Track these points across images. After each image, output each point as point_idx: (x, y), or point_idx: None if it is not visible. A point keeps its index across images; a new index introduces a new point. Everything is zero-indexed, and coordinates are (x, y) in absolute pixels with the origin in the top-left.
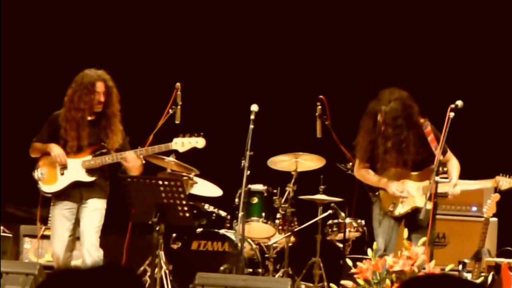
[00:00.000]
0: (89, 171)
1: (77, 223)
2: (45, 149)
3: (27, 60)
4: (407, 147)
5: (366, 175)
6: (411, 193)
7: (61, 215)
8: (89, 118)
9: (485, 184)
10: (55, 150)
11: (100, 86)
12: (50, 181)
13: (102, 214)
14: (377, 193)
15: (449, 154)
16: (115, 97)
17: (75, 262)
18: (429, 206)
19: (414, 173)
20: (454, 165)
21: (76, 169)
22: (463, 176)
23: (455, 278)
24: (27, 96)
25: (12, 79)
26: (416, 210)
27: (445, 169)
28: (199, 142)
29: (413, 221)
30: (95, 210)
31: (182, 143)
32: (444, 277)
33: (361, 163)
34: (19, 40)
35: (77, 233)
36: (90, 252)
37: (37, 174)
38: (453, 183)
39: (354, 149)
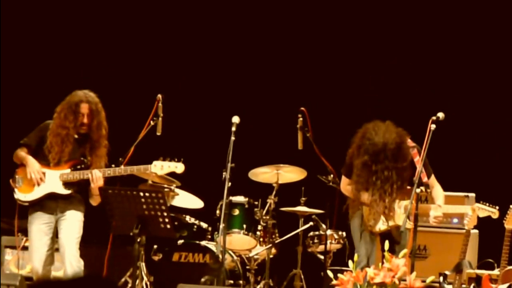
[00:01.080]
0: (66, 184)
1: (54, 236)
2: (24, 161)
3: (18, 68)
4: (391, 185)
5: (349, 192)
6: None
7: (38, 230)
8: (75, 136)
9: (465, 209)
10: (32, 166)
11: (84, 108)
12: (26, 189)
13: (81, 226)
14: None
15: (433, 179)
16: (102, 120)
17: (56, 274)
18: (408, 225)
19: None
20: (439, 194)
21: (54, 181)
22: (442, 188)
23: None
24: (5, 107)
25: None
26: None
27: (428, 190)
28: (178, 167)
29: (388, 239)
30: (74, 221)
31: (161, 166)
32: None
33: (347, 180)
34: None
35: (56, 245)
36: (71, 263)
37: (14, 181)
38: (437, 205)
39: (343, 165)
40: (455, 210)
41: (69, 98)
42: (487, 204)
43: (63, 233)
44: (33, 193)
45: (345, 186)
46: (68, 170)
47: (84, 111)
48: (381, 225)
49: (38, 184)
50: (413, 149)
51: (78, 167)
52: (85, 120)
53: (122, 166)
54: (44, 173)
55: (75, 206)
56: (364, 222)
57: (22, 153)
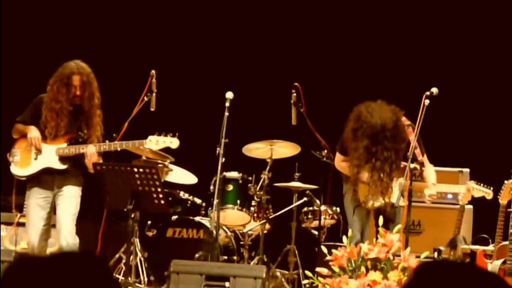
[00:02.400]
0: (62, 159)
1: (52, 211)
2: (25, 130)
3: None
4: (390, 165)
5: (346, 168)
6: None
7: (35, 204)
8: (70, 108)
9: (459, 189)
10: (33, 132)
11: (76, 80)
12: (22, 164)
13: (78, 201)
14: (348, 183)
15: (426, 158)
16: (94, 91)
17: (51, 249)
18: (402, 203)
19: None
20: (431, 172)
21: (50, 156)
22: (435, 162)
23: (470, 264)
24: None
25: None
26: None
27: (423, 168)
28: (173, 143)
29: (382, 216)
30: (71, 197)
31: (156, 141)
32: (458, 263)
33: (341, 156)
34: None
35: (52, 221)
36: (67, 240)
37: (11, 155)
38: (431, 183)
39: (338, 142)
40: (450, 189)
41: (61, 69)
42: (482, 184)
43: (60, 209)
44: (29, 168)
45: (339, 162)
46: (65, 145)
47: (76, 83)
48: (375, 202)
49: (37, 150)
50: (408, 127)
51: (73, 141)
52: (78, 92)
53: (117, 141)
54: (41, 147)
55: (72, 181)
56: (357, 197)
57: (20, 125)
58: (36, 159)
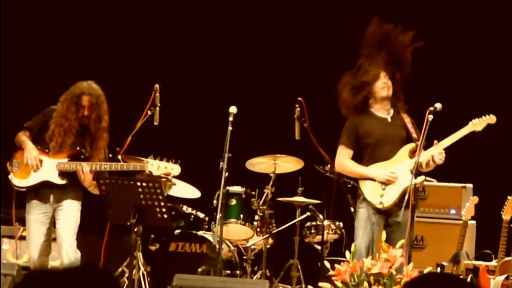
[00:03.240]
0: (62, 174)
1: (52, 225)
2: (23, 144)
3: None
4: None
5: (348, 164)
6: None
7: (36, 220)
8: (77, 127)
9: (462, 132)
10: (30, 151)
11: (85, 100)
12: (22, 175)
13: (78, 216)
14: (360, 197)
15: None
16: (102, 114)
17: (53, 263)
18: (419, 179)
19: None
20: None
21: (50, 169)
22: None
23: (455, 277)
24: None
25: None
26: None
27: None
28: (175, 169)
29: (395, 221)
30: (70, 211)
31: (158, 166)
32: (444, 276)
33: (346, 151)
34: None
35: (54, 235)
36: (68, 254)
37: (11, 165)
38: (434, 143)
39: (341, 135)
40: (453, 139)
41: (72, 88)
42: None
43: (60, 224)
44: (28, 180)
45: (344, 159)
46: (66, 160)
47: (85, 103)
48: (392, 197)
49: (35, 171)
50: (406, 114)
51: (76, 157)
52: (86, 112)
53: (118, 162)
54: (41, 160)
55: (71, 195)
56: (371, 206)
57: (23, 137)
58: (35, 171)
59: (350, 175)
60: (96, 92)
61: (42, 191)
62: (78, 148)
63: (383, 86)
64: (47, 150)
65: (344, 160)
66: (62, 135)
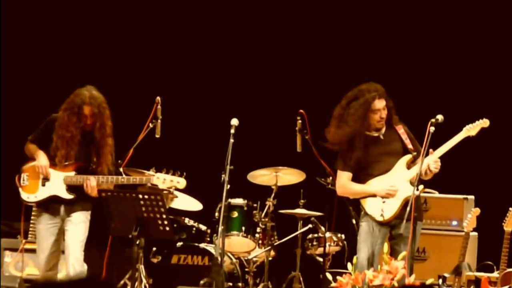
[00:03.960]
0: (70, 188)
1: (61, 237)
2: (34, 154)
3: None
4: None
5: (349, 186)
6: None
7: (46, 230)
8: (79, 137)
9: (457, 138)
10: (41, 160)
11: (86, 110)
12: (30, 189)
13: (87, 227)
14: (362, 212)
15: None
16: (105, 121)
17: (59, 276)
18: (419, 188)
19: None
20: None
21: (58, 183)
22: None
23: None
24: (6, 107)
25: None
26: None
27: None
28: (180, 183)
29: (398, 233)
30: (79, 223)
31: (163, 180)
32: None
33: (345, 173)
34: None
35: (62, 247)
36: (74, 267)
37: (20, 178)
38: (430, 152)
39: (336, 160)
40: (448, 146)
41: (73, 97)
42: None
43: (69, 236)
44: (37, 194)
45: (344, 182)
46: (73, 173)
47: (86, 112)
48: (392, 209)
49: (45, 178)
50: (399, 124)
51: (83, 170)
52: (88, 122)
53: (124, 176)
54: (50, 173)
55: (81, 207)
56: (372, 219)
57: (34, 148)
58: (44, 185)
59: (352, 196)
60: (97, 100)
61: (51, 205)
62: (83, 160)
63: (379, 120)
64: (53, 163)
65: (344, 183)
66: (65, 146)
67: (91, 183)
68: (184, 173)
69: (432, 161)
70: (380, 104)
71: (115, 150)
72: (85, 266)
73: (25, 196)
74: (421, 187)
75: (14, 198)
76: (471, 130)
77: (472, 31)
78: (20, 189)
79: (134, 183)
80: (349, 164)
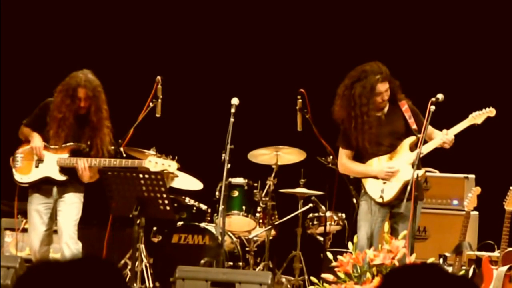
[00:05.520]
0: (63, 170)
1: (54, 217)
2: (29, 136)
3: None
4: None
5: (351, 165)
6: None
7: (36, 210)
8: (71, 120)
9: (462, 125)
10: (36, 141)
11: (81, 92)
12: (24, 170)
13: (80, 207)
14: (362, 190)
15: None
16: (101, 104)
17: (54, 255)
18: (420, 172)
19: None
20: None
21: (51, 165)
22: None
23: (436, 267)
24: (6, 87)
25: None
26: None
27: (418, 136)
28: (172, 166)
29: (398, 212)
30: (72, 203)
31: (155, 163)
32: (425, 266)
33: (345, 151)
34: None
35: (55, 226)
36: (68, 245)
37: (13, 160)
38: (444, 132)
39: (338, 137)
40: (453, 132)
41: (68, 79)
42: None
43: (61, 215)
44: (29, 175)
45: (344, 160)
46: (67, 155)
47: (81, 95)
48: (392, 191)
49: (39, 160)
50: (404, 101)
51: (77, 152)
52: (82, 104)
53: (117, 159)
54: (44, 155)
55: (74, 188)
56: (372, 199)
57: (29, 131)
58: (37, 167)
59: (353, 175)
60: (92, 83)
61: (44, 186)
62: (79, 142)
63: (381, 102)
64: (49, 146)
65: (344, 161)
66: (55, 127)
67: (80, 165)
68: (176, 157)
69: (445, 137)
70: (383, 87)
71: (114, 131)
72: (80, 244)
73: (18, 177)
74: (422, 171)
75: (13, 178)
76: (476, 118)
77: (477, 13)
78: (13, 170)
79: (126, 166)
80: (351, 143)
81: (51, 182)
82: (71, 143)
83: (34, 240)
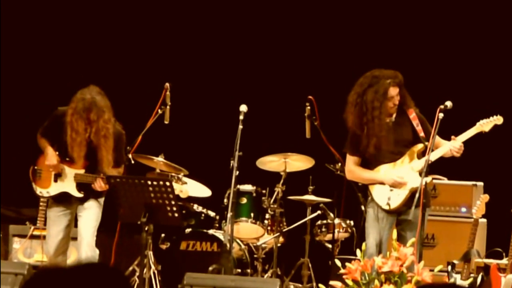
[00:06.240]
0: (79, 186)
1: (72, 224)
2: (44, 150)
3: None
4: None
5: (358, 172)
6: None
7: (56, 217)
8: (86, 138)
9: (470, 133)
10: (50, 159)
11: (92, 115)
12: (43, 184)
13: (99, 213)
14: (369, 197)
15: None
16: (103, 125)
17: (69, 262)
18: (428, 179)
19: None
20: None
21: (69, 180)
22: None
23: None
24: (23, 96)
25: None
26: (415, 193)
27: (426, 143)
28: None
29: (406, 219)
30: (92, 208)
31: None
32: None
33: (353, 157)
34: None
35: (73, 233)
36: (86, 252)
37: (33, 173)
38: (452, 138)
39: (346, 142)
40: (460, 140)
41: (77, 102)
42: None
43: (82, 221)
44: (49, 189)
45: (352, 166)
46: (83, 171)
47: (92, 117)
48: (398, 198)
49: (57, 174)
50: (412, 109)
51: (92, 168)
52: (94, 127)
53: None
54: (62, 169)
55: (94, 194)
56: (378, 207)
57: (45, 143)
58: (56, 181)
59: (360, 181)
60: (99, 103)
61: (64, 198)
62: (92, 159)
63: (392, 106)
64: (67, 159)
65: (352, 168)
66: (77, 149)
67: (98, 184)
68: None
69: (453, 144)
70: (394, 91)
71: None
72: (97, 251)
73: (38, 190)
74: (429, 179)
75: (22, 185)
76: (484, 126)
77: (485, 21)
78: (33, 184)
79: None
80: (359, 149)
81: (69, 196)
82: (88, 159)
83: (51, 247)
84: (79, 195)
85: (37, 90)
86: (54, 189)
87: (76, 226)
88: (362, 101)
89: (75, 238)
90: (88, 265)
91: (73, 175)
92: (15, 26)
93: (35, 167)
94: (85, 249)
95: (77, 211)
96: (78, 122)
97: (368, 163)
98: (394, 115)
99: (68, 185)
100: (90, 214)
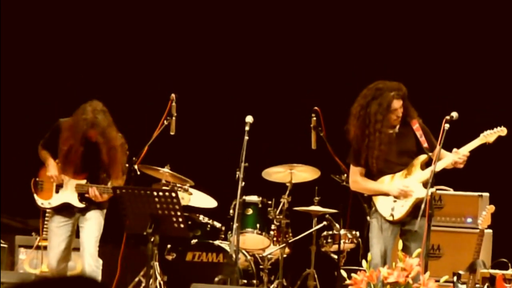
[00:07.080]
0: (81, 196)
1: (74, 234)
2: (45, 162)
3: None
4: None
5: (363, 183)
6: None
7: (57, 228)
8: (82, 149)
9: (474, 144)
10: (51, 170)
11: (92, 133)
12: (45, 195)
13: (101, 223)
14: (373, 208)
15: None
16: (111, 144)
17: (71, 272)
18: (432, 190)
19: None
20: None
21: (70, 191)
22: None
23: None
24: (25, 106)
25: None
26: (419, 203)
27: (430, 154)
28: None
29: (410, 230)
30: (94, 219)
31: None
32: None
33: (356, 168)
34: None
35: (75, 244)
36: (89, 262)
37: (35, 184)
38: (454, 151)
39: (348, 153)
40: (471, 146)
41: (77, 118)
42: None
43: (84, 232)
44: (51, 201)
45: (356, 177)
46: (84, 181)
47: (92, 135)
48: (402, 209)
49: (58, 185)
50: (415, 120)
51: (94, 178)
52: (93, 140)
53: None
54: (63, 180)
55: (96, 205)
56: (382, 217)
57: (46, 154)
58: (57, 192)
59: (365, 192)
60: (100, 125)
61: (66, 209)
62: (94, 169)
63: (396, 119)
64: (65, 169)
65: (356, 179)
66: (73, 161)
67: (91, 193)
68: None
69: (457, 156)
70: (397, 104)
71: (128, 147)
72: (100, 261)
73: (39, 202)
74: (433, 189)
75: (27, 195)
76: (488, 137)
77: (490, 33)
78: (35, 195)
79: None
80: (363, 160)
81: (71, 207)
82: (88, 170)
83: (52, 258)
84: (81, 205)
85: (39, 102)
86: (56, 200)
87: (78, 237)
88: (365, 113)
89: (77, 249)
90: (72, 277)
91: (74, 185)
92: (17, 36)
93: (37, 179)
94: (88, 259)
95: (79, 222)
96: (75, 138)
97: (372, 174)
98: (397, 126)
99: (70, 196)
100: (92, 225)
